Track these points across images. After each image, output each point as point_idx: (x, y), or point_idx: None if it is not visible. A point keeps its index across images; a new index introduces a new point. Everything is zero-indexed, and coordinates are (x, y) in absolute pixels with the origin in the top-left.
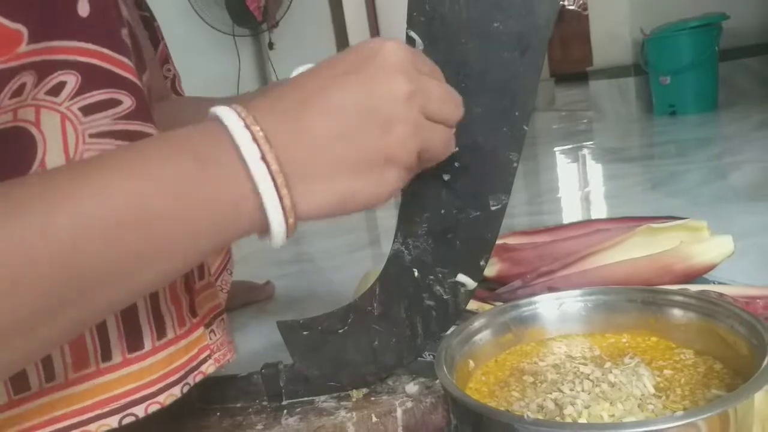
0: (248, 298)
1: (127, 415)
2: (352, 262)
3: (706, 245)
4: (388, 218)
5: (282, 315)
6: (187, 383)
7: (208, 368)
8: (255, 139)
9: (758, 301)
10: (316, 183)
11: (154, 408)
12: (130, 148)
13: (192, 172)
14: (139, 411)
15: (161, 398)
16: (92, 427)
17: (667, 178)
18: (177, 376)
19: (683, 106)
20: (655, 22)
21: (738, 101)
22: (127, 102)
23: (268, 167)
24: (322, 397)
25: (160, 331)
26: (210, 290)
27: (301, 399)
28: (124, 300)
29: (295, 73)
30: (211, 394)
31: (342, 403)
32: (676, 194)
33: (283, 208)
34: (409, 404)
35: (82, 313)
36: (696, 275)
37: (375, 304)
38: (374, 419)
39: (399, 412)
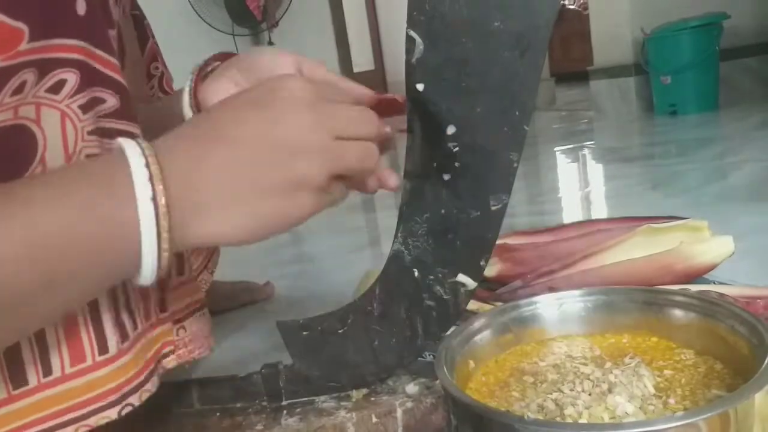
0: (248, 299)
1: (126, 405)
2: (352, 262)
3: (706, 245)
4: (388, 218)
5: (282, 315)
6: (159, 372)
7: (169, 363)
8: (150, 179)
9: (759, 301)
10: (228, 211)
11: (146, 395)
12: (47, 175)
13: (97, 201)
14: (135, 400)
15: (149, 385)
16: (92, 420)
17: (667, 177)
18: (152, 367)
19: (684, 105)
20: (655, 22)
21: (739, 101)
22: (112, 101)
23: (156, 209)
24: (322, 398)
25: (133, 323)
26: (187, 287)
27: (300, 399)
28: (26, 325)
29: None
30: (211, 394)
31: (342, 403)
32: (677, 194)
33: (159, 249)
34: (410, 404)
35: None
36: (696, 275)
37: (375, 305)
38: (374, 419)
39: (399, 413)
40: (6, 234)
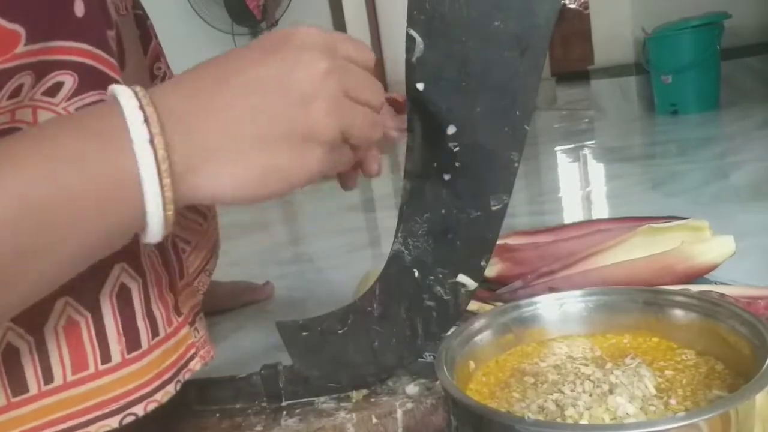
0: (247, 299)
1: (128, 414)
2: (352, 262)
3: (707, 245)
4: (388, 218)
5: (281, 315)
6: (179, 380)
7: (196, 365)
8: (146, 121)
9: (760, 301)
10: (230, 162)
11: (152, 406)
12: (39, 128)
13: (90, 153)
14: (139, 410)
15: (158, 396)
16: (92, 428)
17: (668, 177)
18: (170, 373)
19: (685, 105)
20: (656, 21)
21: (740, 100)
22: None
23: (155, 152)
24: (322, 398)
25: (154, 331)
26: (189, 289)
27: (300, 400)
28: (28, 291)
29: None
30: (210, 395)
31: (342, 404)
32: (678, 194)
33: (163, 197)
34: (410, 405)
35: None
36: (697, 275)
37: (375, 305)
38: (374, 420)
39: (399, 413)
40: None
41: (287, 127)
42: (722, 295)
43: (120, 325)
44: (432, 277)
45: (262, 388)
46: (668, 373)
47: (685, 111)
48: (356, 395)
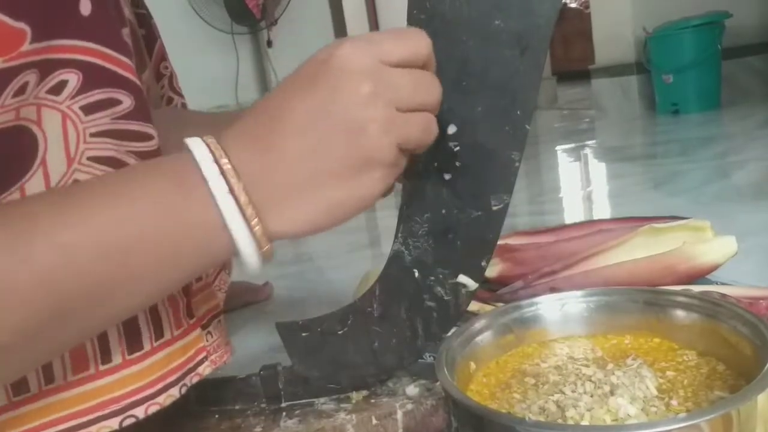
0: (246, 299)
1: (128, 416)
2: (352, 262)
3: (709, 245)
4: (388, 218)
5: (281, 316)
6: (185, 384)
7: (205, 370)
8: (223, 173)
9: (761, 301)
10: (296, 201)
11: (154, 409)
12: (112, 175)
13: (172, 200)
14: (140, 412)
15: (161, 399)
16: (93, 428)
17: (669, 177)
18: (175, 376)
19: (686, 104)
20: (657, 21)
21: (741, 100)
22: (127, 102)
23: (237, 200)
24: (322, 399)
25: (158, 332)
26: (207, 291)
27: (300, 401)
28: (103, 324)
29: None
30: (210, 396)
31: (342, 405)
32: (679, 194)
33: (255, 239)
34: (410, 406)
35: (62, 335)
36: (699, 276)
37: (375, 305)
38: (374, 421)
39: (399, 414)
40: (93, 234)
41: (345, 159)
42: (724, 295)
43: (121, 326)
44: (432, 278)
45: (261, 389)
46: (669, 373)
47: (686, 110)
48: (356, 396)
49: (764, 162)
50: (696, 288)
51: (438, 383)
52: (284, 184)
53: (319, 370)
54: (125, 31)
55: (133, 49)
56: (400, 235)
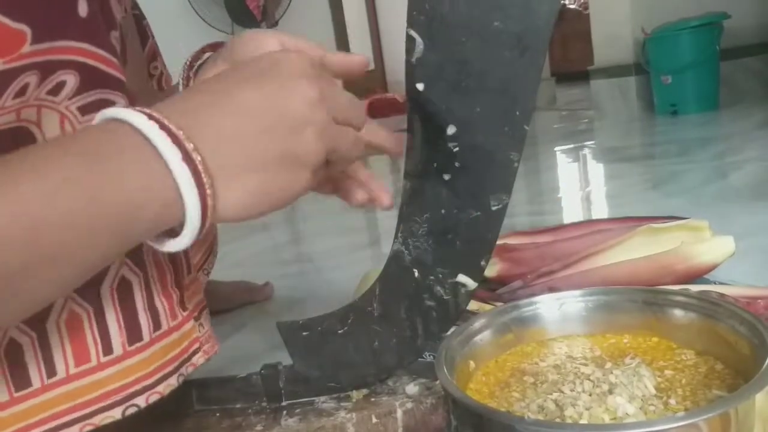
0: (248, 299)
1: (130, 405)
2: (352, 262)
3: (707, 245)
4: (388, 218)
5: (282, 315)
6: (181, 374)
7: (198, 360)
8: (175, 139)
9: (759, 301)
10: (231, 182)
11: (154, 398)
12: (19, 154)
13: (88, 176)
14: (141, 401)
15: (160, 388)
16: (96, 419)
17: (668, 177)
18: (173, 366)
19: (684, 105)
20: (656, 22)
21: (739, 100)
22: (121, 102)
23: (193, 167)
24: (322, 398)
25: (156, 324)
26: (195, 285)
27: (300, 400)
28: (16, 311)
29: None
30: (211, 395)
31: (342, 403)
32: (678, 194)
33: (204, 209)
34: (410, 405)
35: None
36: (697, 275)
37: (375, 305)
38: (374, 420)
39: (399, 413)
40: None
41: (281, 151)
42: (722, 295)
43: (121, 318)
44: (432, 277)
45: (262, 387)
46: (668, 372)
47: (684, 111)
48: (356, 395)
49: (762, 162)
50: (694, 287)
51: (437, 382)
52: (221, 161)
53: (319, 369)
54: (114, 34)
55: (120, 51)
56: (399, 235)
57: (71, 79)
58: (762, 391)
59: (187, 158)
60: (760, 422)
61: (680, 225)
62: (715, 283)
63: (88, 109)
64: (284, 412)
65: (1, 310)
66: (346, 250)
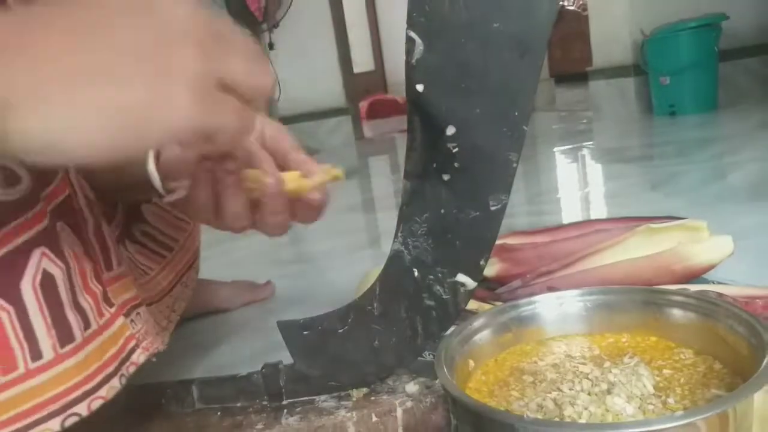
0: (248, 298)
1: (70, 415)
2: (352, 262)
3: (705, 245)
4: (388, 218)
5: (282, 315)
6: (123, 374)
7: (139, 357)
8: None
9: (758, 301)
10: (62, 98)
11: (97, 403)
12: None
13: None
14: (82, 409)
15: (103, 392)
16: None
17: (666, 178)
18: (113, 366)
19: (683, 106)
20: (654, 23)
21: (738, 101)
22: None
23: None
24: (323, 397)
25: (85, 322)
26: (124, 280)
27: (301, 398)
28: None
29: None
30: (212, 394)
31: (342, 402)
32: (676, 194)
33: None
34: (409, 404)
35: None
36: (695, 275)
37: (375, 304)
38: (374, 419)
39: (399, 412)
40: None
41: (144, 53)
42: (720, 294)
43: (48, 317)
44: (432, 277)
45: (263, 386)
46: (666, 372)
47: (683, 112)
48: (356, 394)
49: (761, 163)
50: (693, 287)
51: (437, 381)
52: (47, 75)
53: (320, 368)
54: None
55: None
56: (399, 234)
57: None
58: (760, 391)
59: None
60: (759, 421)
61: (678, 225)
62: (713, 283)
63: None
64: (285, 410)
65: None
66: (346, 250)
